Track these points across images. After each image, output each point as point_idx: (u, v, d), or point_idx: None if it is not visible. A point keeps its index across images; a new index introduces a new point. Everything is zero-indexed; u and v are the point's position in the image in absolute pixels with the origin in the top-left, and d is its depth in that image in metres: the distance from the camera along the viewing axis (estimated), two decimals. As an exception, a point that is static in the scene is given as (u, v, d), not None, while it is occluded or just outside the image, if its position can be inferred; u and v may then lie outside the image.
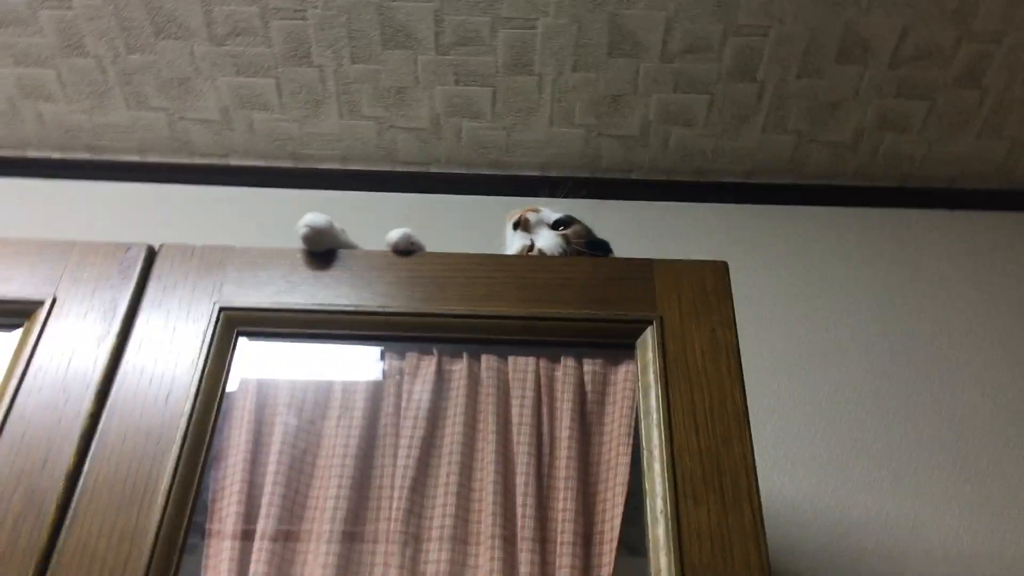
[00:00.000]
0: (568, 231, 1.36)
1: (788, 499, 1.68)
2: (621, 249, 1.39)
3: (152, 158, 2.16)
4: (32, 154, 2.15)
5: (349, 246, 1.27)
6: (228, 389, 1.11)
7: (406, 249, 1.22)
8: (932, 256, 2.07)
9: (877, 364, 1.88)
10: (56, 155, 2.15)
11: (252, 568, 1.01)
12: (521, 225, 1.37)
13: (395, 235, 1.21)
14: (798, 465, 1.73)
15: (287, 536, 1.05)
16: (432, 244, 2.00)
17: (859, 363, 1.88)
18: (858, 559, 1.63)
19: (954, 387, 1.85)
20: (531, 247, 1.33)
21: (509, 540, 1.04)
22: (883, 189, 2.17)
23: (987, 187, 2.16)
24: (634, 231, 2.08)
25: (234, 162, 2.17)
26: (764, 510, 1.66)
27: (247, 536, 1.04)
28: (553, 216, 1.38)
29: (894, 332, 1.94)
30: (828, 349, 1.91)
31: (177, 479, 1.02)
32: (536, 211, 1.38)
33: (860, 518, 1.67)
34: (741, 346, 1.84)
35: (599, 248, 1.37)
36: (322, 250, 1.26)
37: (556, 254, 1.33)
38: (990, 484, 1.71)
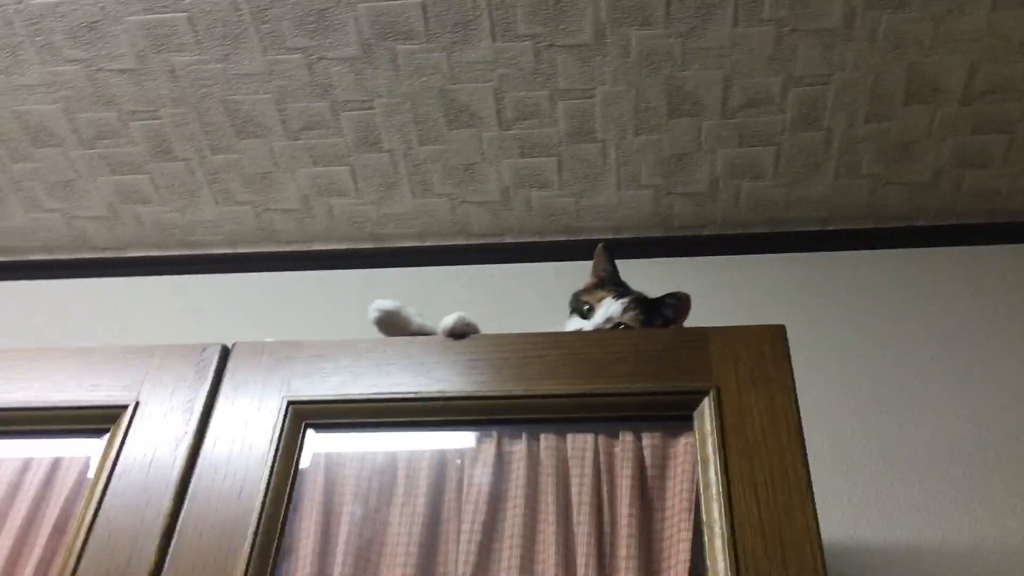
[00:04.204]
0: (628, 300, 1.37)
1: (885, 561, 1.62)
2: (697, 306, 1.39)
3: (242, 249, 2.28)
4: (132, 253, 2.29)
5: (423, 329, 1.31)
6: (297, 480, 1.15)
7: (461, 332, 1.24)
8: (1027, 292, 1.98)
9: (976, 412, 1.80)
10: (154, 253, 2.29)
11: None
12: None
13: (450, 320, 1.24)
14: (895, 522, 1.66)
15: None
16: (509, 312, 2.06)
17: (956, 412, 1.80)
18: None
19: (1061, 431, 1.76)
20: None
21: (572, 622, 1.04)
22: (969, 226, 2.09)
23: (1082, 216, 2.06)
24: (711, 287, 2.06)
25: (318, 247, 2.27)
26: (863, 569, 1.61)
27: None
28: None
29: (993, 377, 1.85)
30: (921, 398, 1.83)
31: (250, 573, 1.06)
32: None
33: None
34: (827, 401, 1.82)
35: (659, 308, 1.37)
36: (395, 335, 1.31)
37: (616, 315, 1.34)
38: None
